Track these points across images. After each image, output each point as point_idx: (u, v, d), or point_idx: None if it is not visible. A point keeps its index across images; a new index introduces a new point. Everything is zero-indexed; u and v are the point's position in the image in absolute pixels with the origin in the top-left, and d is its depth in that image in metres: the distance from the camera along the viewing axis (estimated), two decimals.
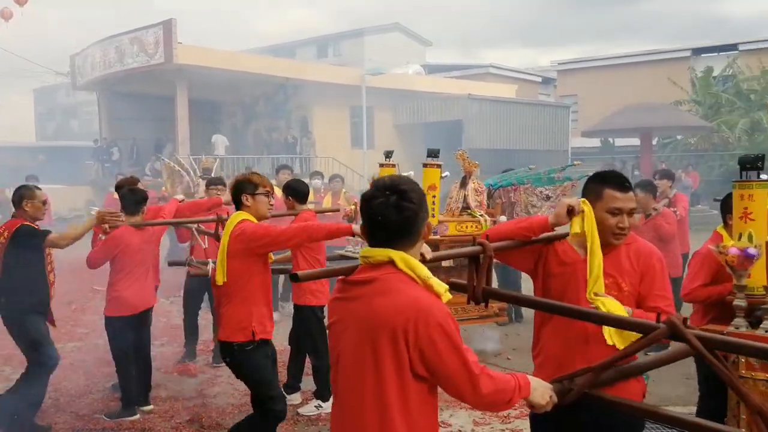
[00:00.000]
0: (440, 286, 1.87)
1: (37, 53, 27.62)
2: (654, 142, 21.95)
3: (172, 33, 16.55)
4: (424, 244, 2.03)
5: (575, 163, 8.22)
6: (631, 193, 2.43)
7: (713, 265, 3.50)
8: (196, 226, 5.41)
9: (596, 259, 2.35)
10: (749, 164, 2.93)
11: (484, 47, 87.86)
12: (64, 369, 6.01)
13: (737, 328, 2.70)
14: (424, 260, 2.01)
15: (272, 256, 4.25)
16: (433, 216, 6.05)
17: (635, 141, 21.78)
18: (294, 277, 2.05)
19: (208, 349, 6.56)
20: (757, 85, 21.89)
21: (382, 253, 1.89)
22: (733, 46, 25.14)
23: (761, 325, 2.67)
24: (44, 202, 4.71)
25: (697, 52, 26.33)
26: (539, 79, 31.79)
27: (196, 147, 18.37)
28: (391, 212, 1.86)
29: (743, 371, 2.61)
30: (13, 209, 4.73)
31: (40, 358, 4.53)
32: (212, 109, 20.52)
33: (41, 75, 27.73)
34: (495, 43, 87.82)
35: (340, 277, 2.01)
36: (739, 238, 2.79)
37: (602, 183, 2.45)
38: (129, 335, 4.83)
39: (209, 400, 5.21)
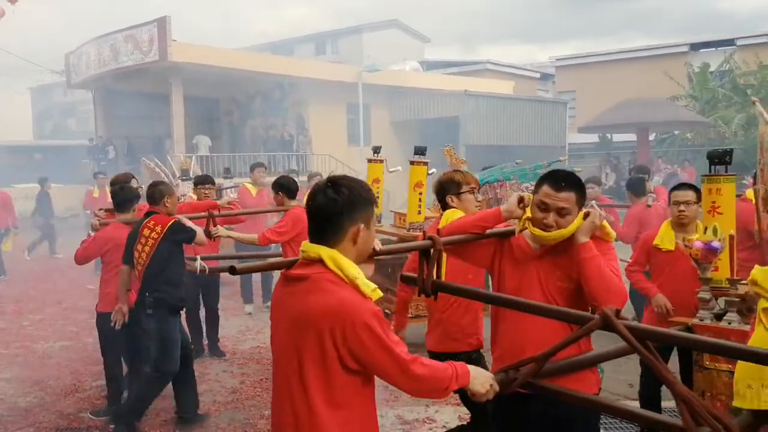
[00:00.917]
0: (367, 287, 1.91)
1: (32, 52, 27.60)
2: (651, 138, 21.91)
3: (167, 31, 16.52)
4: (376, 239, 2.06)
5: (560, 159, 8.29)
6: (564, 194, 2.43)
7: (644, 248, 4.08)
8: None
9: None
10: (717, 159, 2.95)
11: (482, 43, 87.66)
12: (50, 368, 6.04)
13: (702, 320, 2.71)
14: (374, 252, 2.06)
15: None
16: (420, 213, 6.18)
17: (633, 137, 21.75)
18: (232, 270, 2.09)
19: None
20: (753, 80, 21.84)
21: (314, 250, 1.94)
22: (730, 41, 25.06)
23: (725, 317, 2.68)
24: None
25: (695, 47, 26.25)
26: (537, 75, 31.73)
27: (192, 145, 18.39)
28: (319, 199, 1.94)
29: (707, 362, 2.62)
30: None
31: (166, 364, 4.43)
32: (208, 106, 20.50)
33: (37, 74, 27.72)
34: (494, 39, 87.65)
35: (283, 270, 2.04)
36: (705, 232, 2.81)
37: (544, 179, 2.52)
38: (119, 332, 4.81)
39: None
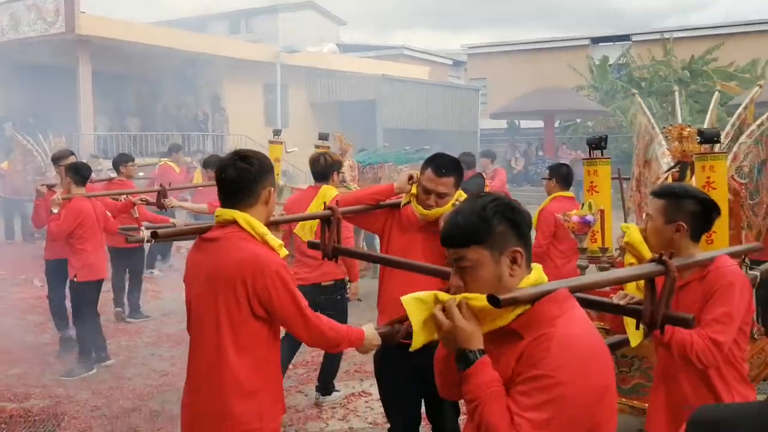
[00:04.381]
0: (275, 242, 2.25)
1: None
2: (556, 125, 23.16)
3: (74, 1, 15.68)
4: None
5: (425, 147, 10.12)
6: (444, 179, 2.85)
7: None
8: (140, 198, 5.97)
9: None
10: (594, 144, 3.42)
11: (397, 28, 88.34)
12: None
13: None
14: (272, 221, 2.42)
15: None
16: None
17: (539, 123, 22.88)
18: (154, 235, 2.42)
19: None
20: (647, 74, 23.46)
21: (228, 214, 2.23)
22: (626, 37, 26.77)
23: None
24: None
25: (595, 41, 27.82)
26: (450, 62, 32.49)
27: (101, 123, 17.61)
28: (231, 171, 2.23)
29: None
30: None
31: None
32: (118, 83, 19.61)
33: None
34: (407, 24, 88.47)
35: (200, 236, 2.35)
36: (582, 207, 3.27)
37: (428, 163, 2.93)
38: (95, 298, 5.33)
39: (124, 383, 5.21)
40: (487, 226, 1.53)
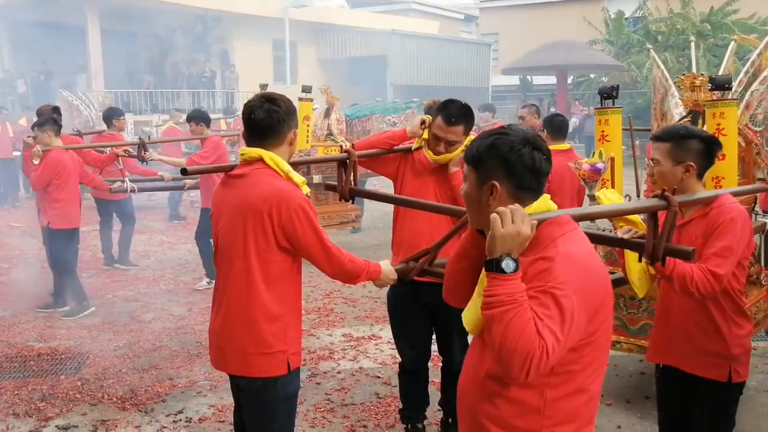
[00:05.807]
0: (299, 179, 2.35)
1: None
2: (569, 81, 22.80)
3: None
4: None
5: (413, 99, 10.23)
6: (454, 128, 2.92)
7: None
8: (123, 150, 6.14)
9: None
10: (606, 94, 3.43)
11: None
12: None
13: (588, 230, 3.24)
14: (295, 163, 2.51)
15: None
16: (308, 142, 7.08)
17: (551, 80, 22.53)
18: (183, 171, 2.56)
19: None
20: (664, 27, 22.89)
21: (254, 152, 2.34)
22: None
23: (604, 229, 3.22)
24: None
25: None
26: (461, 17, 31.91)
27: (111, 80, 17.60)
28: (260, 112, 2.31)
29: None
30: None
31: None
32: (127, 41, 19.51)
33: None
34: None
35: (225, 174, 2.47)
36: (593, 156, 3.31)
37: (439, 110, 2.99)
38: (70, 246, 5.50)
39: (144, 326, 5.40)
40: (478, 155, 1.68)
